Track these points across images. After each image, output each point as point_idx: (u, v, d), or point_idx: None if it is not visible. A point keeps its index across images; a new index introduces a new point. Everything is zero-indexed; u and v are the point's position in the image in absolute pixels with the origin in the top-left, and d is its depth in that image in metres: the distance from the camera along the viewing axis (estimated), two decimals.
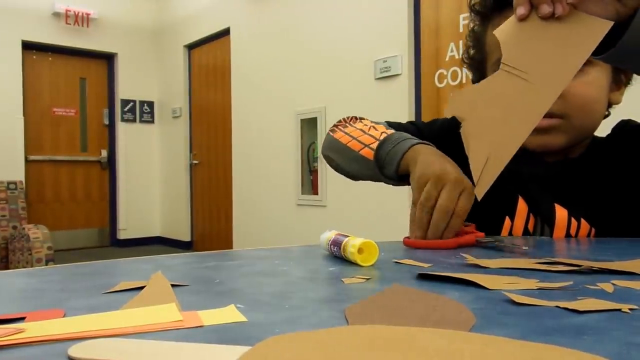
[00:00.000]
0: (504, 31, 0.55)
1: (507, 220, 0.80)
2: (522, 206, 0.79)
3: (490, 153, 0.51)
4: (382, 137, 0.80)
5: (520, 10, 0.54)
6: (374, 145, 0.79)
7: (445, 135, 0.80)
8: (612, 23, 0.50)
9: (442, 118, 0.94)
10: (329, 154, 0.90)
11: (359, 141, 0.83)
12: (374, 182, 0.90)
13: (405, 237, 0.70)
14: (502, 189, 0.80)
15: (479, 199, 0.55)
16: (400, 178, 0.77)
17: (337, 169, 0.92)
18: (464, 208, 0.65)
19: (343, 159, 0.87)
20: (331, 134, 0.91)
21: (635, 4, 0.51)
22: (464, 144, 0.54)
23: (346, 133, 0.87)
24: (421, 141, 0.76)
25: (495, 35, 0.56)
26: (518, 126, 0.50)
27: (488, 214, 0.80)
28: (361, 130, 0.85)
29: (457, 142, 0.57)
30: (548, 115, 0.58)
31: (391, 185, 0.91)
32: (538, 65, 0.51)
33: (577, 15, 0.52)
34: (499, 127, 0.51)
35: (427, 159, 0.70)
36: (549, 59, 0.51)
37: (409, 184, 0.76)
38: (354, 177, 0.90)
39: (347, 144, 0.85)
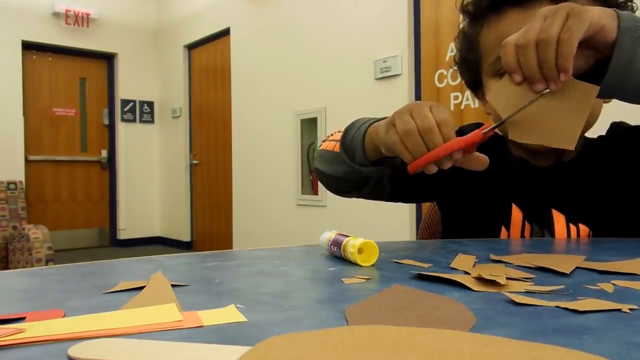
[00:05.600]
0: (497, 96, 0.58)
1: (504, 229, 0.79)
2: (516, 214, 0.78)
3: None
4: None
5: (516, 78, 0.57)
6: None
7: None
8: (598, 87, 0.55)
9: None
10: (317, 166, 0.86)
11: (335, 141, 0.79)
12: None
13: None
14: (494, 198, 0.80)
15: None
16: (373, 163, 0.72)
17: (325, 181, 0.86)
18: (442, 117, 0.58)
19: (325, 165, 0.82)
20: (319, 148, 0.89)
21: (609, 52, 0.55)
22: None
23: (329, 140, 0.84)
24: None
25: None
26: None
27: (483, 226, 0.80)
28: (339, 132, 0.82)
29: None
30: None
31: (391, 202, 0.87)
32: (545, 137, 0.56)
33: (567, 82, 0.55)
34: None
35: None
36: (553, 129, 0.56)
37: (390, 166, 0.70)
38: (339, 185, 0.83)
39: (326, 148, 0.82)
